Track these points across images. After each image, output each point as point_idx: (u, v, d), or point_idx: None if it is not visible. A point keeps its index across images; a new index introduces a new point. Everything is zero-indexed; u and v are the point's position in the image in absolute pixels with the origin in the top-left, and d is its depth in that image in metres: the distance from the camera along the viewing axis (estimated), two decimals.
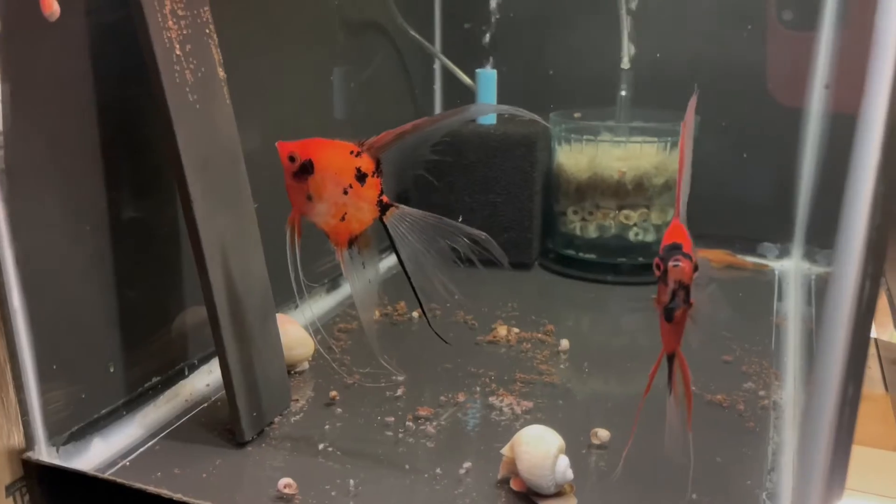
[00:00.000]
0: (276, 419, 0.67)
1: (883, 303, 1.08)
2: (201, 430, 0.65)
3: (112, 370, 0.64)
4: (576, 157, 1.03)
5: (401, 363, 0.77)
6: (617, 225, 1.03)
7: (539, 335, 0.85)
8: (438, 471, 0.59)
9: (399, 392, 0.72)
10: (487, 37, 1.13)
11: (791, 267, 1.08)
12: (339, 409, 0.69)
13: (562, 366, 0.78)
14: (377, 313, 0.91)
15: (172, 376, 0.70)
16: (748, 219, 1.10)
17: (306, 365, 0.77)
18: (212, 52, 0.63)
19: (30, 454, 0.58)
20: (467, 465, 0.60)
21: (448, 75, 1.19)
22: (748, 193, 1.10)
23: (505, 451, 0.58)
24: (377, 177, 0.55)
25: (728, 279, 1.04)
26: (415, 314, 0.91)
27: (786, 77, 1.06)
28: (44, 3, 0.52)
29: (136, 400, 0.66)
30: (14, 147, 0.54)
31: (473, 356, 0.80)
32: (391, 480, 0.58)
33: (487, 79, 1.08)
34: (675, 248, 0.47)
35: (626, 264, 1.04)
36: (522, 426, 0.59)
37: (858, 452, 0.45)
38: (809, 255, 1.06)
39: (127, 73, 0.62)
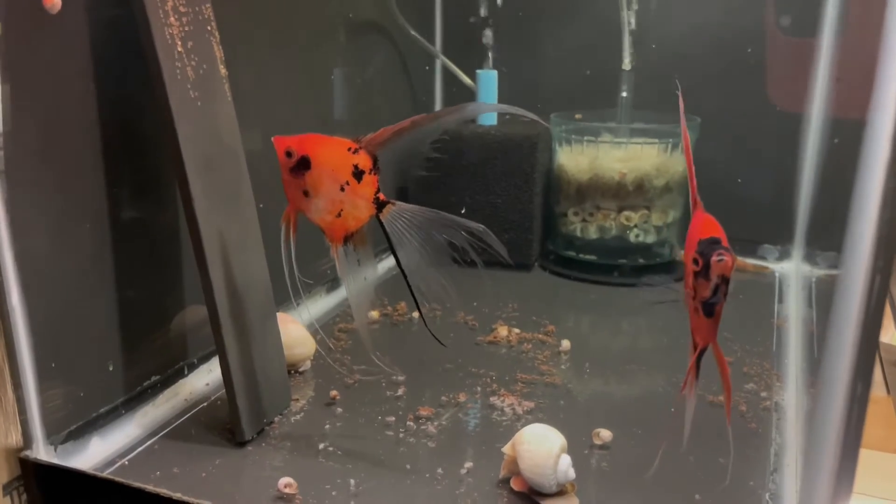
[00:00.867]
0: (277, 419, 0.66)
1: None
2: (201, 429, 0.65)
3: (111, 369, 0.63)
4: (576, 159, 1.03)
5: (401, 363, 0.77)
6: (617, 226, 1.03)
7: (540, 336, 0.85)
8: (440, 471, 0.59)
9: (400, 392, 0.71)
10: (489, 35, 1.12)
11: (791, 269, 1.08)
12: (340, 409, 0.68)
13: (563, 366, 0.78)
14: (377, 314, 0.90)
15: (172, 375, 0.70)
16: (748, 221, 1.10)
17: (308, 364, 0.76)
18: (213, 49, 0.63)
19: (27, 453, 0.58)
20: (469, 465, 0.59)
21: (448, 75, 1.19)
22: (748, 195, 1.10)
23: (506, 449, 0.58)
24: (374, 174, 0.54)
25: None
26: (415, 315, 0.90)
27: (784, 82, 1.07)
28: None
29: (135, 399, 0.66)
30: (14, 146, 0.53)
31: (474, 356, 0.80)
32: (392, 480, 0.58)
33: (488, 79, 1.08)
34: (716, 243, 0.46)
35: (626, 265, 1.04)
36: (524, 426, 0.59)
37: (861, 455, 0.45)
38: (810, 258, 1.06)
39: (127, 71, 0.61)
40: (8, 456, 0.57)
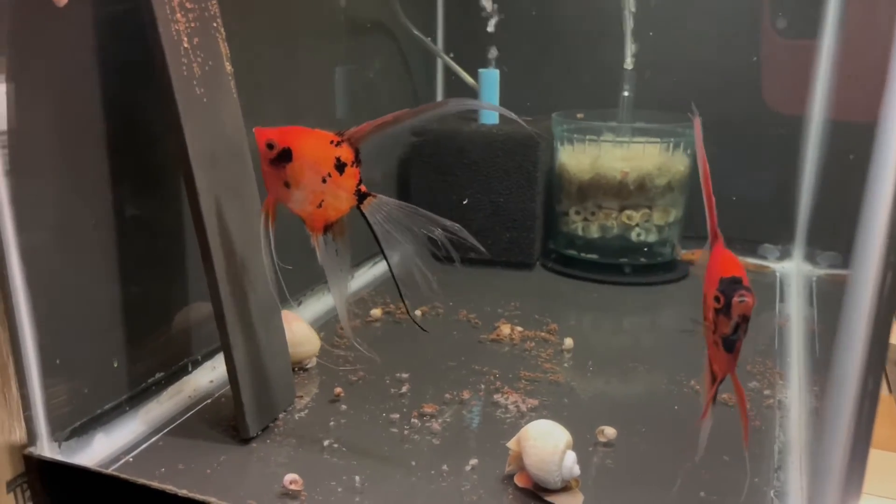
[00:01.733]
0: (281, 415, 0.66)
1: None
2: (205, 426, 0.65)
3: (116, 365, 0.63)
4: (578, 158, 1.03)
5: (404, 361, 0.77)
6: (619, 225, 1.03)
7: (542, 334, 0.85)
8: (445, 467, 0.59)
9: (404, 389, 0.71)
10: (491, 24, 1.12)
11: (792, 268, 1.08)
12: (344, 406, 0.68)
13: (566, 364, 0.78)
14: (379, 311, 0.90)
15: (176, 372, 0.70)
16: (749, 220, 1.11)
17: (314, 361, 0.76)
18: (219, 45, 0.62)
19: (31, 450, 0.57)
20: (473, 461, 0.59)
21: (450, 74, 1.19)
22: (749, 195, 1.10)
23: (511, 444, 0.58)
24: (356, 166, 0.55)
25: None
26: (417, 312, 0.90)
27: (780, 84, 1.07)
28: None
29: (139, 395, 0.66)
30: (19, 142, 0.53)
31: (477, 354, 0.80)
32: (397, 477, 0.58)
33: (490, 78, 1.08)
34: (737, 282, 0.47)
35: (628, 264, 1.04)
36: (528, 424, 0.59)
37: None
38: (810, 257, 1.06)
39: (132, 67, 0.61)
40: (12, 453, 0.57)
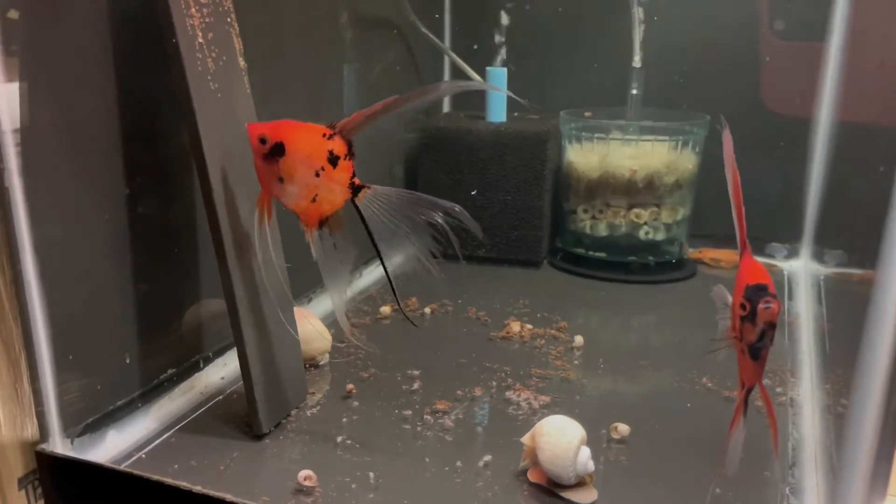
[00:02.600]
0: (293, 412, 0.66)
1: None
2: (217, 422, 0.65)
3: (128, 361, 0.63)
4: (586, 156, 1.03)
5: (415, 358, 0.77)
6: (627, 223, 1.03)
7: (552, 332, 0.84)
8: (458, 464, 0.59)
9: (415, 386, 0.71)
10: (502, 21, 1.12)
11: (800, 267, 1.08)
12: (356, 403, 0.68)
13: (576, 362, 0.78)
14: (388, 309, 0.90)
15: (188, 368, 0.70)
16: (757, 219, 1.10)
17: (326, 358, 0.76)
18: (233, 40, 0.62)
19: (43, 446, 0.57)
20: (487, 458, 0.59)
21: (458, 73, 1.19)
22: (757, 194, 1.10)
23: (525, 440, 0.58)
24: (349, 159, 0.54)
25: None
26: (427, 310, 0.90)
27: (777, 85, 1.07)
28: None
29: (151, 392, 0.66)
30: (33, 137, 0.53)
31: (488, 352, 0.80)
32: (411, 473, 0.58)
33: (497, 77, 1.08)
34: (763, 290, 0.48)
35: (636, 263, 1.04)
36: (541, 420, 0.59)
37: None
38: (818, 256, 1.06)
39: (145, 63, 0.61)
40: (24, 449, 0.57)
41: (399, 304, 0.63)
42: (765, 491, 0.56)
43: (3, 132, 0.52)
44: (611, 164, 1.01)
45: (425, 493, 0.55)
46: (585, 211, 1.05)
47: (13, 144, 0.52)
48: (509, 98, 1.08)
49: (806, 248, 1.09)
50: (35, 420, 0.57)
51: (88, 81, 0.58)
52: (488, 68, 1.10)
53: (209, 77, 0.59)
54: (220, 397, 0.69)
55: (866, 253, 0.67)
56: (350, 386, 0.70)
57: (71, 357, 0.58)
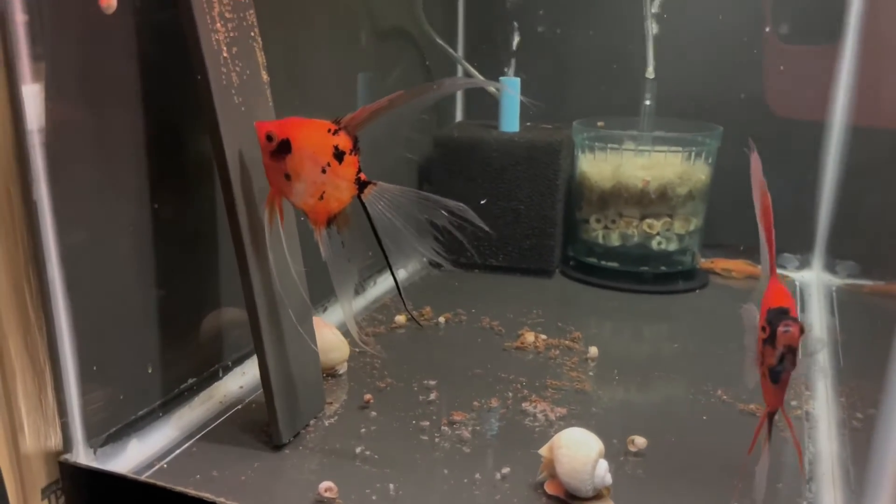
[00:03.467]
0: (311, 422, 0.67)
1: None
2: (237, 432, 0.65)
3: (150, 371, 0.63)
4: (599, 166, 1.04)
5: (430, 368, 0.77)
6: (640, 234, 1.03)
7: (566, 342, 0.85)
8: (477, 476, 0.59)
9: (432, 396, 0.72)
10: (515, 39, 1.13)
11: (812, 278, 1.08)
12: (374, 413, 0.69)
13: (591, 373, 0.78)
14: (403, 318, 0.91)
15: (207, 378, 0.70)
16: None
17: (345, 367, 0.76)
18: (256, 55, 0.63)
19: (67, 456, 0.57)
20: (505, 470, 0.60)
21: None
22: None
23: (543, 451, 0.58)
24: (355, 154, 0.54)
25: (749, 290, 1.04)
26: (441, 319, 0.91)
27: (782, 90, 1.07)
28: None
29: (172, 401, 0.66)
30: (60, 146, 0.54)
31: (502, 362, 0.80)
32: (431, 485, 0.58)
33: (511, 86, 1.09)
34: (784, 313, 0.48)
35: (648, 273, 1.04)
36: (557, 432, 0.59)
37: None
38: (830, 267, 1.06)
39: (170, 73, 0.62)
40: (47, 459, 0.57)
41: (404, 303, 0.63)
42: None
43: (31, 145, 0.52)
44: (623, 175, 1.01)
45: None
46: (598, 221, 1.06)
47: (42, 157, 0.53)
48: (522, 108, 1.08)
49: (818, 258, 1.09)
50: (59, 430, 0.57)
51: (115, 90, 0.58)
52: (502, 78, 1.11)
53: (233, 91, 0.59)
54: (239, 406, 0.70)
55: (886, 264, 0.68)
56: (368, 396, 0.70)
57: (95, 367, 0.58)
